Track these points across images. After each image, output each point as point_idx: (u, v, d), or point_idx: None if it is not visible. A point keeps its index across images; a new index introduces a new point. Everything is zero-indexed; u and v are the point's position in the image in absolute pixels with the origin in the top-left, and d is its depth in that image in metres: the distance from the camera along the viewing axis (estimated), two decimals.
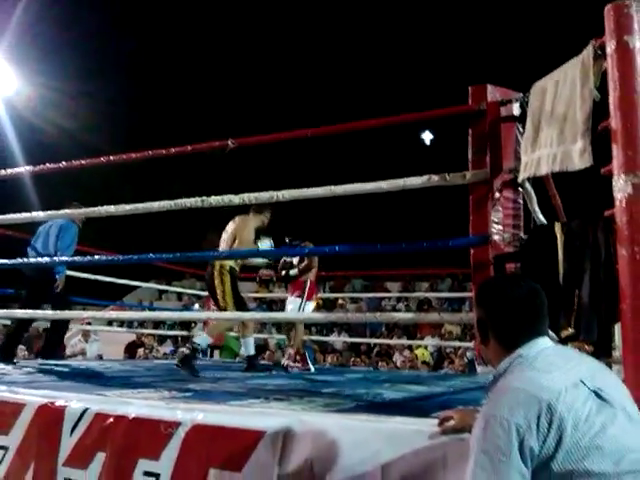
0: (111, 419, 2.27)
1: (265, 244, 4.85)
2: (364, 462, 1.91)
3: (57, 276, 4.83)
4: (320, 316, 3.90)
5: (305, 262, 5.38)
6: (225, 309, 4.58)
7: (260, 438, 2.05)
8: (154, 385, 3.35)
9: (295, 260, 5.48)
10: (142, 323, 11.51)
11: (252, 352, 5.16)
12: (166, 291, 14.53)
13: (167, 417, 2.22)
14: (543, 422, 1.30)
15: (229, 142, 3.04)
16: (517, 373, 1.45)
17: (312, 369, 5.27)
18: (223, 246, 4.91)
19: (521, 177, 2.52)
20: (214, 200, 3.07)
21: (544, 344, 1.51)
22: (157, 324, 11.95)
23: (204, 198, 3.08)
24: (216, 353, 8.90)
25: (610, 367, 2.20)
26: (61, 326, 5.31)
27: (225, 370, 5.17)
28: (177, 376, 4.10)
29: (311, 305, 5.39)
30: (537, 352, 1.49)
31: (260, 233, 4.88)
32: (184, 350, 4.17)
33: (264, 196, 2.95)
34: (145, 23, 15.75)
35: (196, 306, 11.09)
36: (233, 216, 5.00)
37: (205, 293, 7.90)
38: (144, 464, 2.17)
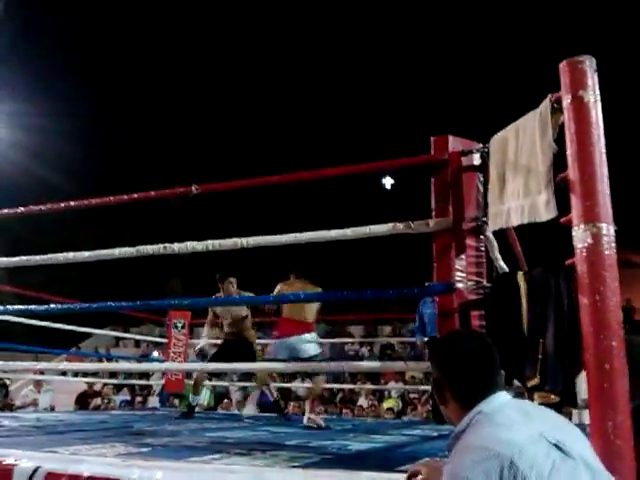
0: (64, 479, 2.14)
1: None
2: None
3: None
4: (281, 366, 3.82)
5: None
6: None
7: None
8: (109, 440, 3.20)
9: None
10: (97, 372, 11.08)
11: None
12: (123, 338, 14.12)
13: (123, 476, 2.11)
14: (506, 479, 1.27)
15: (193, 188, 3.00)
16: (477, 430, 1.42)
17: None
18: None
19: (492, 228, 2.55)
20: (177, 247, 3.02)
21: (503, 398, 1.49)
22: (113, 372, 11.55)
23: (167, 245, 3.03)
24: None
25: (572, 417, 2.19)
26: None
27: (183, 421, 5.00)
28: (132, 429, 3.94)
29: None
30: (496, 407, 1.46)
31: None
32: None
33: (228, 243, 2.91)
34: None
35: (155, 354, 10.77)
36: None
37: (164, 340, 7.67)
38: None
